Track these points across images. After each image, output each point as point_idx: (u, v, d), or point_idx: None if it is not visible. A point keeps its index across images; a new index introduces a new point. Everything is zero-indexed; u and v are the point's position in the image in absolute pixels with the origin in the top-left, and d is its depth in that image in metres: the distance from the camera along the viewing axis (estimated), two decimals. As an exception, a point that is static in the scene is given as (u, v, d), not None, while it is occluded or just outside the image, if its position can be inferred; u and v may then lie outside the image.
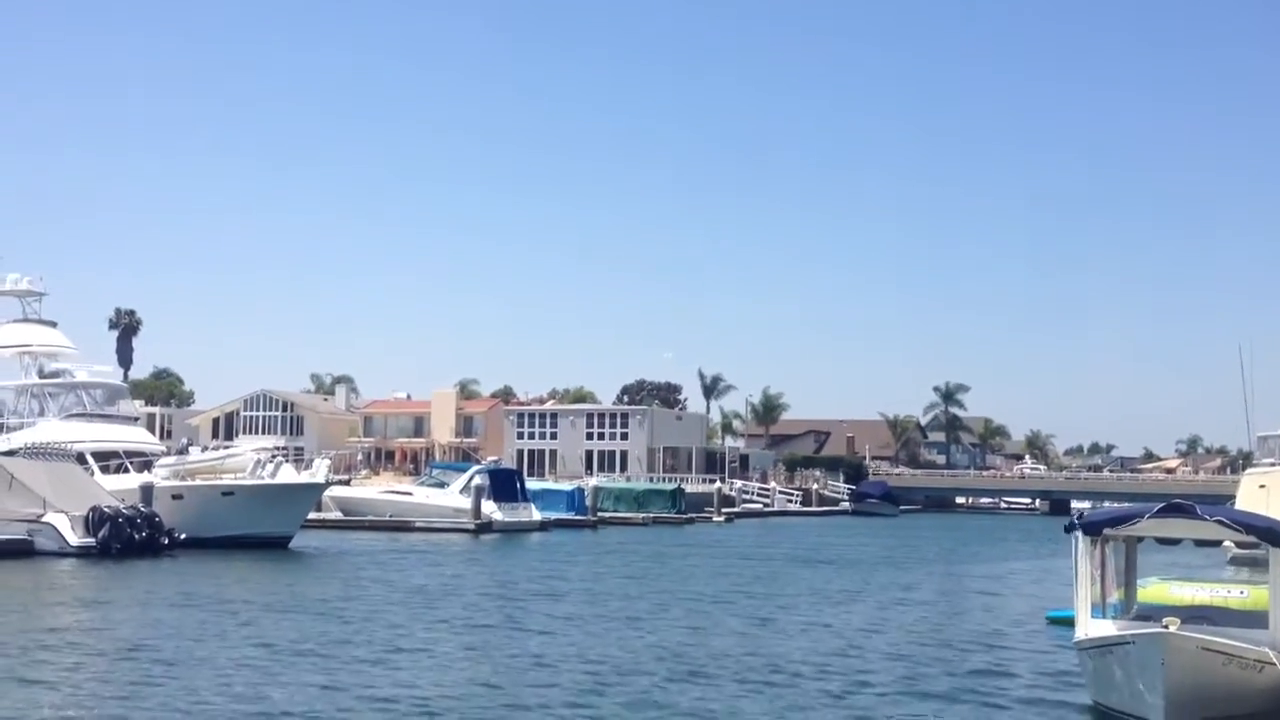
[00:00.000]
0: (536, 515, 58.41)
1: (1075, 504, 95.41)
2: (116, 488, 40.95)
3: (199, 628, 22.21)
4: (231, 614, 24.30)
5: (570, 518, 61.92)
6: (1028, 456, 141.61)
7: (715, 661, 18.76)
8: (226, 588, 29.57)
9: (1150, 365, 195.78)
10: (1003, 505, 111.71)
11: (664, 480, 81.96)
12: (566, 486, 68.97)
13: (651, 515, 67.71)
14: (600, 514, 64.97)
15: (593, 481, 73.49)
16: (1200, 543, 16.66)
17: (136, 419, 51.98)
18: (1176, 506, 14.83)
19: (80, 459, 42.55)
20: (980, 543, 57.08)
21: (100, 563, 34.62)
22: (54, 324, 49.78)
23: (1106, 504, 79.17)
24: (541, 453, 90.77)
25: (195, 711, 14.73)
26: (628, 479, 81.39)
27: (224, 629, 22.15)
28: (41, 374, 48.16)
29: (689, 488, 78.04)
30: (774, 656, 19.43)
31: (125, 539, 36.81)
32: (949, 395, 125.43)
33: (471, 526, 53.78)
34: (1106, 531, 15.51)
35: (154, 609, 25.03)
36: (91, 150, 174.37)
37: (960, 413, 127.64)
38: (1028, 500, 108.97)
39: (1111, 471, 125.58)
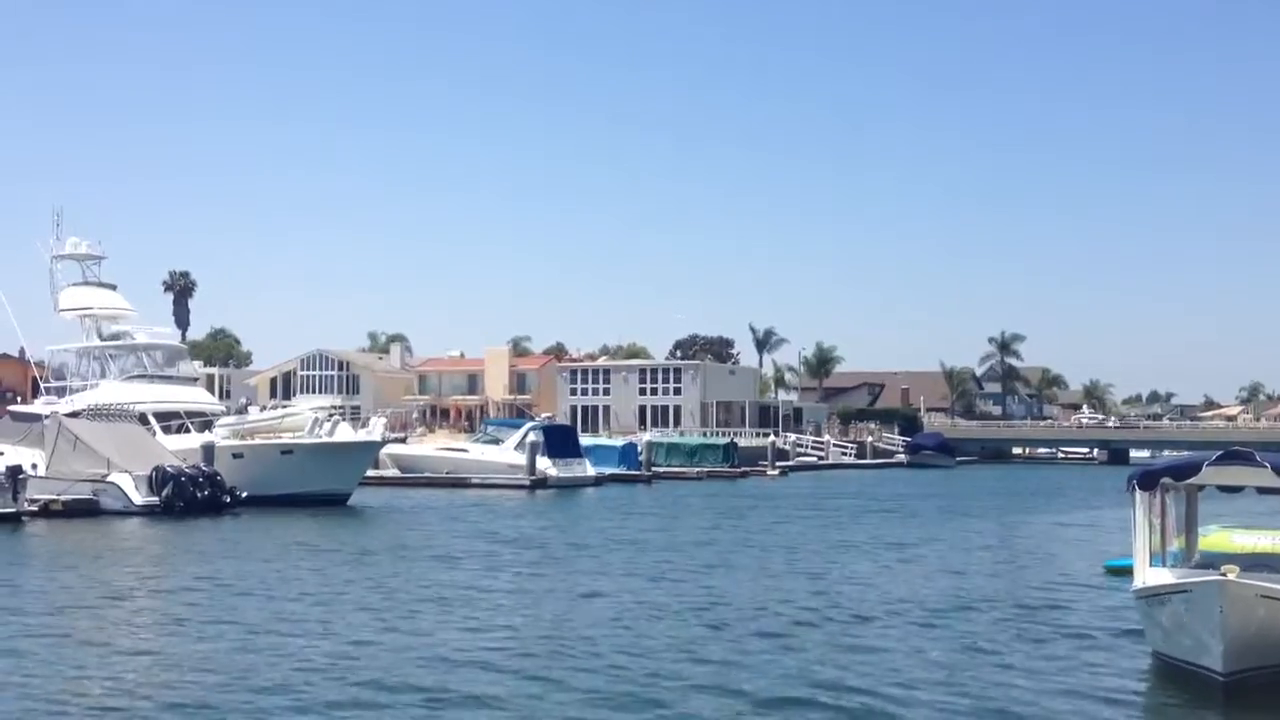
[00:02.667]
0: (591, 470, 58.70)
1: (1134, 453, 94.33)
2: (178, 447, 41.64)
3: (309, 577, 23.20)
4: (334, 564, 25.44)
5: (624, 473, 62.18)
6: (1085, 406, 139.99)
7: (809, 601, 20.17)
8: (313, 541, 30.47)
9: (1210, 311, 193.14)
10: (1060, 455, 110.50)
11: (717, 434, 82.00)
12: (618, 442, 69.20)
13: (705, 469, 67.85)
14: (654, 468, 65.20)
15: (646, 436, 73.67)
16: (1262, 490, 16.43)
17: (196, 380, 52.73)
18: (1235, 454, 14.63)
19: (142, 419, 43.26)
20: (1038, 493, 56.67)
21: (165, 521, 35.28)
22: (114, 287, 50.37)
23: (1166, 453, 78.23)
24: (595, 409, 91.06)
25: (352, 651, 15.76)
26: (681, 434, 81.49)
27: (337, 578, 23.12)
28: (102, 336, 48.91)
29: (743, 441, 78.02)
30: (843, 601, 20.20)
31: (188, 498, 37.46)
32: (1005, 345, 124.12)
33: (527, 482, 54.15)
34: (1165, 481, 15.35)
35: (251, 562, 25.88)
36: (146, 114, 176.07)
37: (1017, 363, 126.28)
38: (1085, 450, 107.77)
39: (1171, 420, 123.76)
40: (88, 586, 22.06)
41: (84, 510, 36.45)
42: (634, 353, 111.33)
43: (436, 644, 16.19)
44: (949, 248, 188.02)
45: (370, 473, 48.61)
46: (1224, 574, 12.79)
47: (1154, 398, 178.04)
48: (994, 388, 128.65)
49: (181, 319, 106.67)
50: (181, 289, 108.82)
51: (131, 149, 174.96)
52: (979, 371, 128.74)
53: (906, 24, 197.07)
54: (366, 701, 13.04)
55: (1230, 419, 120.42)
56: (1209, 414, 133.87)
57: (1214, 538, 18.04)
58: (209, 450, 41.64)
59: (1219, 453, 14.75)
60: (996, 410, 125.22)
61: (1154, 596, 14.17)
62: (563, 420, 77.60)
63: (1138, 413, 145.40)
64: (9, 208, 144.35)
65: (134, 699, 13.18)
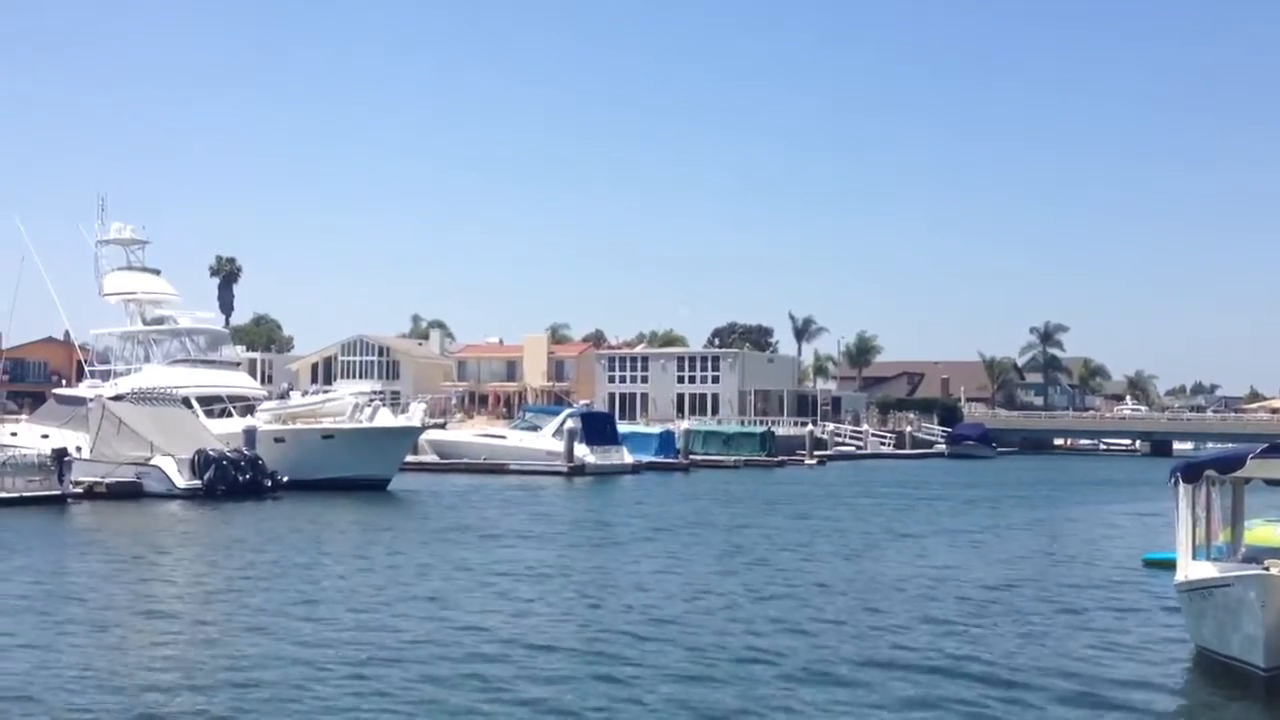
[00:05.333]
0: (628, 458, 58.76)
1: (1178, 445, 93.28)
2: (220, 431, 42.02)
3: (387, 556, 24.08)
4: (408, 543, 26.32)
5: (661, 460, 62.19)
6: (1128, 397, 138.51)
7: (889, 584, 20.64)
8: (375, 523, 31.39)
9: (1256, 303, 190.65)
10: (1102, 447, 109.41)
11: (755, 423, 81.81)
12: (655, 429, 69.18)
13: (742, 458, 67.71)
14: (691, 456, 65.14)
15: (684, 424, 73.57)
16: (1308, 484, 16.25)
17: (238, 364, 53.16)
18: (1278, 447, 14.45)
19: (185, 403, 43.65)
20: (1079, 485, 56.21)
21: (207, 504, 35.63)
22: (157, 271, 50.87)
23: (1210, 445, 77.31)
24: (633, 396, 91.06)
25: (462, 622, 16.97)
26: (719, 422, 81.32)
27: (416, 556, 24.09)
28: (146, 321, 49.33)
29: (780, 431, 77.74)
30: (893, 590, 20.16)
31: (230, 481, 37.84)
32: (1047, 336, 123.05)
33: (564, 469, 54.30)
34: (1208, 474, 15.19)
35: (327, 544, 26.66)
36: (194, 98, 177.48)
37: (1059, 353, 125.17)
38: (1128, 441, 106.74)
39: (1215, 412, 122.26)
40: (170, 568, 22.88)
41: (127, 493, 36.88)
42: (672, 340, 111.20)
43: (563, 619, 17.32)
44: (992, 237, 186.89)
45: (409, 458, 48.88)
46: (1266, 568, 12.65)
47: (1198, 389, 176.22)
48: (1035, 378, 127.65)
49: (226, 304, 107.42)
50: (228, 274, 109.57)
51: (179, 133, 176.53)
52: (1020, 362, 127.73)
53: (951, 14, 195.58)
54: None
55: (1275, 411, 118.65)
56: (1254, 406, 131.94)
57: (1259, 531, 17.85)
58: (251, 434, 41.99)
59: (1264, 445, 14.58)
60: (1038, 401, 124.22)
61: (1196, 590, 14.04)
62: (601, 408, 77.67)
63: (1181, 404, 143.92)
64: (55, 192, 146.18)
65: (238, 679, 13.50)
